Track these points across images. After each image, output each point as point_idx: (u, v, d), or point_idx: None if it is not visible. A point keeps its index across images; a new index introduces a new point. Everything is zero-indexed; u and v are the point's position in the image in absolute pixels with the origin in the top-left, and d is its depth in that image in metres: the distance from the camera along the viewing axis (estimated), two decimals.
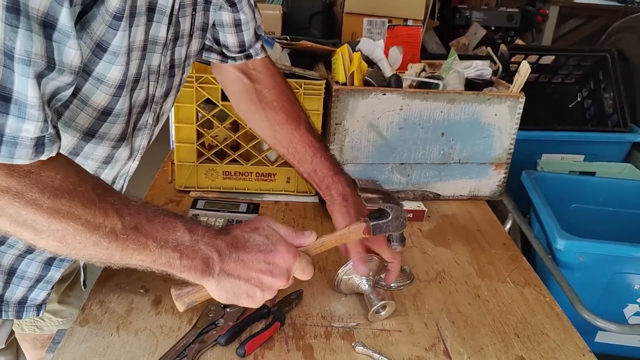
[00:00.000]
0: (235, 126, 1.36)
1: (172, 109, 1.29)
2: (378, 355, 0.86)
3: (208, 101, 1.31)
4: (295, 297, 0.97)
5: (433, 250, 1.21)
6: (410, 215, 1.31)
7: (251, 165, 1.36)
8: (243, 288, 0.72)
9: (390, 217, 0.87)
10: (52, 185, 0.57)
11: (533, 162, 2.02)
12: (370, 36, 2.38)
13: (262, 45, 1.05)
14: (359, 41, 1.53)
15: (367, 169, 1.36)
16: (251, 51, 1.03)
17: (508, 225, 1.62)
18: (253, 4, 1.01)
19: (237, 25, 0.98)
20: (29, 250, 0.82)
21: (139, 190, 1.01)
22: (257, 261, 0.72)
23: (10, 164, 0.55)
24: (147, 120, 0.84)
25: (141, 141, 0.87)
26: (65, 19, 0.54)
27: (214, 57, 1.03)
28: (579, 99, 2.28)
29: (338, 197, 0.96)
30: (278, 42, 1.42)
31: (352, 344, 0.89)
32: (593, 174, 2.00)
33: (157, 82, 0.80)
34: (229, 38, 0.99)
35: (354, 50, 1.45)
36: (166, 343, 0.86)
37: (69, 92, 0.61)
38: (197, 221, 0.72)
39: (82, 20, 0.60)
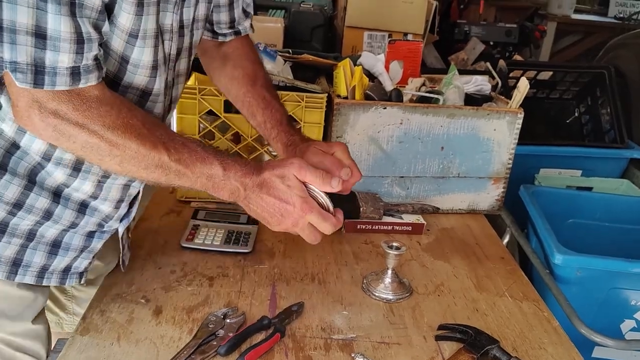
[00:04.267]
0: (237, 138, 1.37)
1: (175, 120, 1.30)
2: None
3: (210, 112, 1.32)
4: (296, 308, 0.98)
5: (432, 263, 1.22)
6: (410, 228, 1.32)
7: None
8: (264, 213, 0.85)
9: None
10: (109, 119, 0.71)
11: (531, 176, 2.04)
12: (370, 50, 2.41)
13: (251, 24, 1.11)
14: (360, 55, 1.55)
15: (368, 181, 1.37)
16: (240, 28, 1.08)
17: (506, 239, 1.62)
18: None
19: (231, 3, 1.04)
20: (73, 225, 0.87)
21: (141, 200, 1.01)
22: (273, 204, 0.83)
23: (73, 102, 0.68)
24: (167, 79, 0.88)
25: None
26: None
27: (206, 35, 1.08)
28: (576, 114, 2.30)
29: (282, 145, 1.01)
30: (280, 55, 1.43)
31: (352, 355, 0.89)
32: (590, 189, 2.01)
33: (171, 40, 0.84)
34: (222, 16, 1.05)
35: (355, 64, 1.46)
36: (167, 353, 0.86)
37: (105, 24, 0.70)
38: (234, 158, 0.83)
39: None
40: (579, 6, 4.79)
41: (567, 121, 2.30)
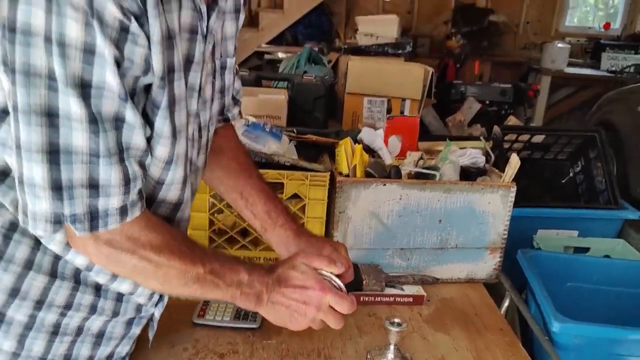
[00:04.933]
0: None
1: None
2: None
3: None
4: None
5: (433, 335, 1.26)
6: (411, 299, 1.37)
7: (260, 250, 1.44)
8: (286, 313, 0.90)
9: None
10: (155, 244, 0.77)
11: (529, 237, 2.10)
12: (370, 115, 2.52)
13: (240, 112, 1.17)
14: (360, 130, 1.65)
15: (370, 254, 1.43)
16: (229, 115, 1.13)
17: (505, 304, 1.67)
18: (234, 71, 1.09)
19: (222, 91, 1.07)
20: (115, 313, 0.92)
21: None
22: (293, 293, 0.89)
23: (124, 233, 0.74)
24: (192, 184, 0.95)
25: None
26: (130, 113, 0.70)
27: None
28: (571, 174, 2.38)
29: (292, 233, 1.06)
30: (285, 134, 1.53)
31: None
32: (588, 249, 2.07)
33: (194, 147, 0.91)
34: (214, 106, 1.09)
35: (355, 140, 1.55)
36: None
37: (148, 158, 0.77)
38: (253, 264, 0.90)
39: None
40: (572, 60, 4.95)
41: (563, 181, 2.38)
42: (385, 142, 1.61)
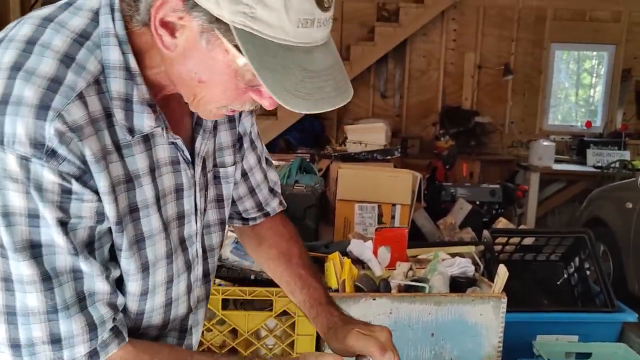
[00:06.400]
0: (234, 332, 1.42)
1: None
2: None
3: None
4: None
5: None
6: None
7: None
8: None
9: None
10: None
11: (527, 343, 2.04)
12: (361, 220, 2.56)
13: (280, 201, 1.10)
14: (349, 242, 1.67)
15: None
16: (268, 209, 1.08)
17: None
18: (265, 164, 1.06)
19: (252, 191, 1.05)
20: None
21: None
22: None
23: None
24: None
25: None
26: (84, 265, 0.70)
27: (236, 223, 1.11)
28: (565, 275, 2.37)
29: (323, 327, 0.98)
30: None
31: None
32: (590, 354, 2.01)
33: (186, 272, 0.88)
34: (247, 204, 1.06)
35: (344, 253, 1.57)
36: None
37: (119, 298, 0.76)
38: None
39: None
40: (558, 157, 5.10)
41: (558, 283, 2.36)
42: (375, 253, 1.62)
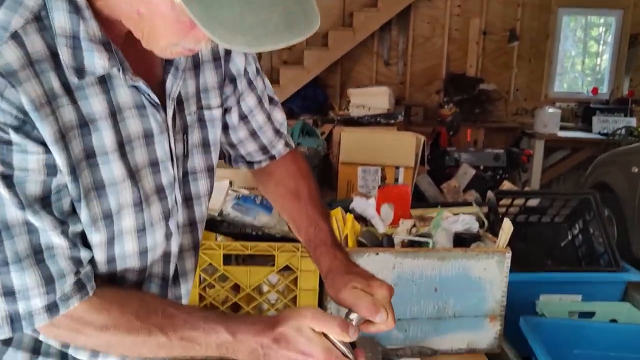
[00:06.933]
0: (236, 287, 1.42)
1: None
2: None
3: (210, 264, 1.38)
4: None
5: None
6: None
7: None
8: None
9: None
10: (98, 323, 0.74)
11: (532, 302, 2.03)
12: (365, 183, 2.54)
13: (286, 142, 1.05)
14: (352, 200, 1.65)
15: None
16: (273, 152, 1.03)
17: None
18: (267, 104, 1.01)
19: (253, 134, 1.00)
20: None
21: None
22: (295, 356, 0.78)
23: (68, 314, 0.72)
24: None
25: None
26: (34, 219, 0.68)
27: (242, 166, 1.08)
28: (569, 237, 2.35)
29: (324, 269, 0.95)
30: None
31: None
32: (593, 313, 2.01)
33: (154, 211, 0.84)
34: (249, 147, 1.02)
35: (347, 210, 1.55)
36: None
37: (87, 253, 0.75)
38: (243, 319, 0.82)
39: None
40: (563, 124, 5.05)
41: (562, 244, 2.34)
42: (378, 211, 1.61)
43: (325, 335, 0.81)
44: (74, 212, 0.74)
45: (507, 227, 1.40)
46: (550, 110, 4.91)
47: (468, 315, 1.42)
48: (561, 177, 5.31)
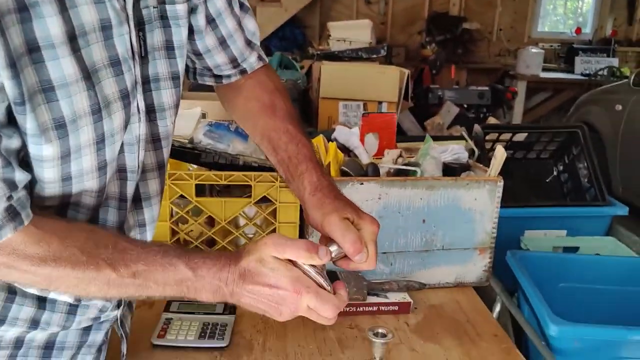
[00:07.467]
0: (211, 221, 1.32)
1: None
2: None
3: (182, 196, 1.28)
4: None
5: (422, 346, 1.14)
6: (396, 307, 1.25)
7: None
8: (260, 306, 0.74)
9: None
10: (37, 256, 0.66)
11: (516, 239, 2.00)
12: (346, 119, 2.42)
13: (259, 55, 0.96)
14: (334, 129, 1.54)
15: None
16: (244, 65, 0.95)
17: (497, 309, 1.56)
18: (238, 9, 0.92)
19: (222, 42, 0.91)
20: (64, 327, 0.80)
21: None
22: (263, 293, 0.73)
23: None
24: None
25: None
26: None
27: (208, 81, 0.97)
28: (555, 173, 2.30)
29: (309, 186, 0.86)
30: None
31: None
32: (577, 248, 1.98)
33: (140, 121, 0.76)
34: (217, 59, 0.92)
35: (329, 140, 1.45)
36: None
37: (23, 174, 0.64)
38: (204, 255, 0.74)
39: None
40: (546, 65, 4.97)
41: (547, 180, 2.30)
42: (362, 140, 1.51)
43: (294, 263, 0.73)
44: (10, 123, 0.62)
45: (499, 155, 1.32)
46: (534, 50, 4.81)
47: (457, 248, 1.36)
48: (542, 119, 5.28)
